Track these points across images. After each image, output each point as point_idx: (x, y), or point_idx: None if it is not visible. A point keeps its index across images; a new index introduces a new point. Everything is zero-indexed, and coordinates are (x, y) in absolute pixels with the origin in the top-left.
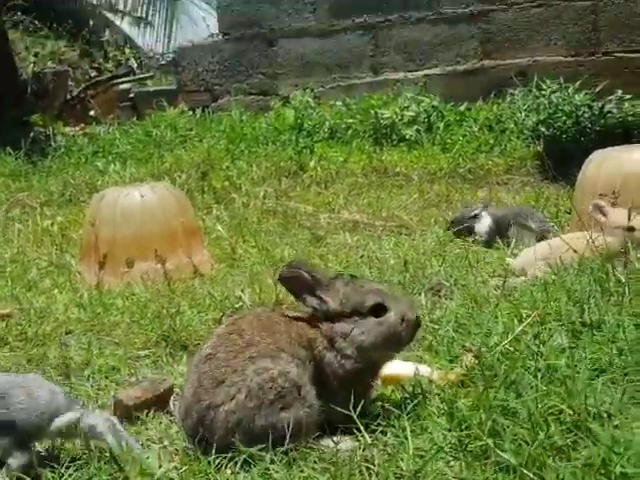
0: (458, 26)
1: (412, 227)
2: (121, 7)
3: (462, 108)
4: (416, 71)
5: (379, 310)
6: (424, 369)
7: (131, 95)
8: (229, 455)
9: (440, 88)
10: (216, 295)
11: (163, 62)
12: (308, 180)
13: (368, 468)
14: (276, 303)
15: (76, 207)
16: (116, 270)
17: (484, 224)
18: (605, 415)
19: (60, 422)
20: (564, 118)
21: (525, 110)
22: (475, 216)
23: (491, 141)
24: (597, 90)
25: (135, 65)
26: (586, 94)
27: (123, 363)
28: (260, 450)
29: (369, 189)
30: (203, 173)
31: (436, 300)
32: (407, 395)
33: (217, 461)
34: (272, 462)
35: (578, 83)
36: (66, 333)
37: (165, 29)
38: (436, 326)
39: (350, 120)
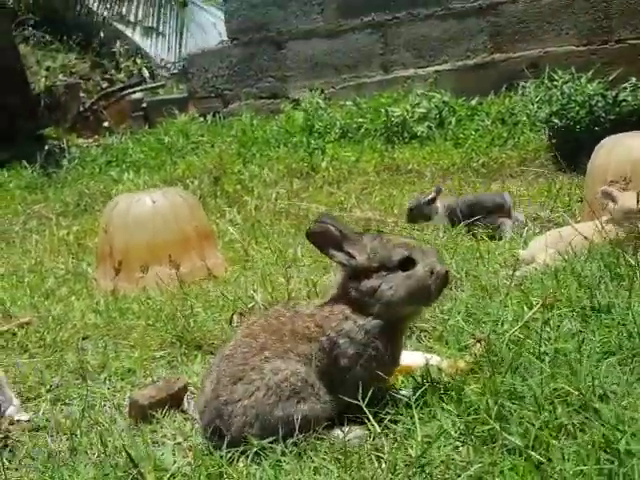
0: (467, 20)
1: None
2: (131, 18)
3: (474, 102)
4: (426, 67)
5: (407, 264)
6: (434, 359)
7: (143, 105)
8: (241, 448)
9: (451, 83)
10: (229, 296)
11: (174, 71)
12: (320, 181)
13: (378, 456)
14: (288, 301)
15: (91, 216)
16: (131, 276)
17: (441, 219)
18: (611, 395)
19: None
20: (577, 108)
21: (537, 102)
22: (430, 201)
23: (504, 134)
24: (610, 79)
25: (147, 75)
26: (599, 83)
27: (139, 365)
28: (271, 443)
29: (381, 187)
30: (215, 178)
31: (446, 292)
32: (416, 384)
33: (229, 455)
34: (283, 454)
35: (591, 72)
36: (83, 338)
37: (176, 37)
38: (446, 316)
39: (361, 119)
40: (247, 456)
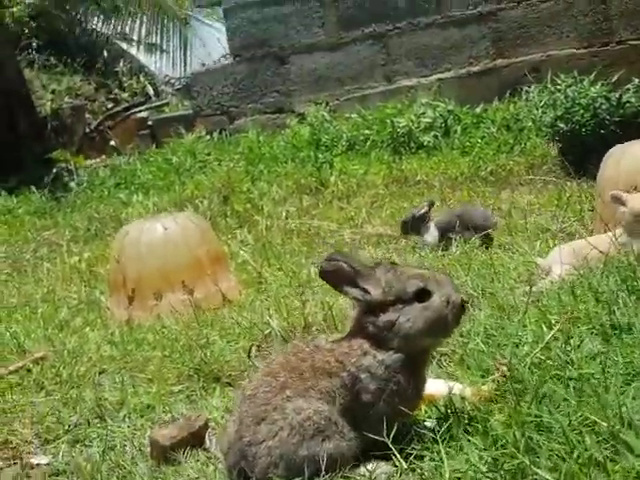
0: (468, 27)
1: None
2: (134, 36)
3: (478, 110)
4: (429, 76)
5: (423, 295)
6: (456, 387)
7: (149, 123)
8: None
9: (455, 91)
10: (245, 323)
11: (179, 86)
12: (329, 196)
13: None
14: (305, 326)
15: (102, 242)
16: (145, 304)
17: (431, 234)
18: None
19: None
20: (582, 111)
21: (542, 107)
22: (423, 216)
23: (510, 141)
24: (613, 80)
25: (151, 92)
26: (602, 85)
27: (157, 400)
28: None
29: (391, 200)
30: (225, 197)
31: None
32: (440, 414)
33: None
34: None
35: (593, 75)
36: (100, 372)
37: (180, 53)
38: (465, 340)
39: (367, 131)
40: None
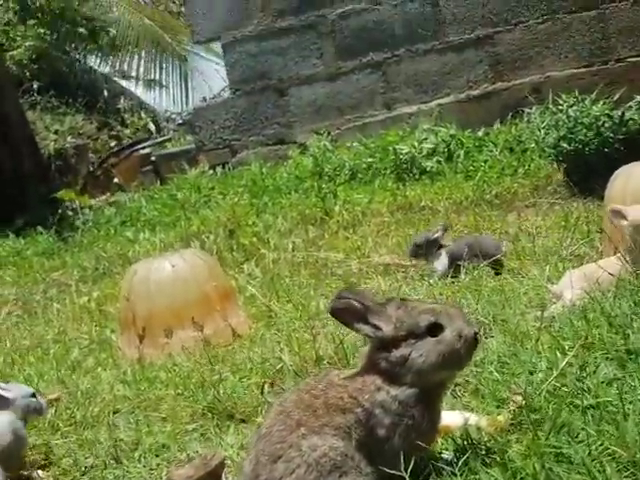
0: (466, 52)
1: None
2: (133, 73)
3: (480, 133)
4: (429, 102)
5: (435, 329)
6: (472, 417)
7: (152, 159)
8: None
9: (455, 116)
10: (256, 358)
11: (180, 121)
12: (335, 226)
13: None
14: (316, 360)
15: (111, 280)
16: (156, 342)
17: (442, 262)
18: None
19: None
20: (584, 131)
21: (544, 128)
22: (436, 240)
23: (514, 163)
24: (615, 98)
25: (153, 128)
26: (604, 104)
27: (172, 439)
28: None
29: (397, 227)
30: (230, 231)
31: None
32: (457, 447)
33: None
34: None
35: (594, 94)
36: (114, 412)
37: (180, 88)
38: (479, 369)
39: (370, 159)
40: None
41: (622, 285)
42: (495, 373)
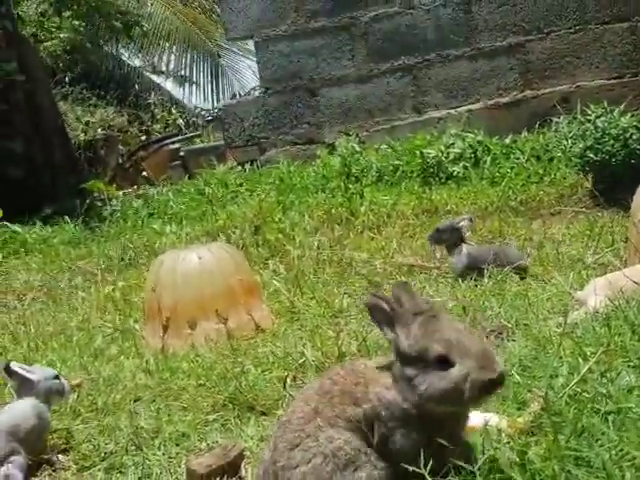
0: (496, 59)
1: None
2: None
3: (507, 140)
4: (458, 107)
5: (443, 363)
6: (493, 418)
7: (181, 154)
8: None
9: (483, 122)
10: (279, 352)
11: (209, 118)
12: (360, 226)
13: None
14: (338, 356)
15: (136, 270)
16: (180, 333)
17: (461, 260)
18: None
19: None
20: (612, 142)
21: (571, 137)
22: (459, 230)
23: (540, 171)
24: None
25: (182, 124)
26: (632, 116)
27: (192, 429)
28: None
29: (421, 230)
30: (256, 227)
31: (499, 343)
32: (478, 448)
33: None
34: None
35: (623, 105)
36: (135, 400)
37: (212, 84)
38: None
39: (397, 162)
40: None
41: None
42: (516, 376)
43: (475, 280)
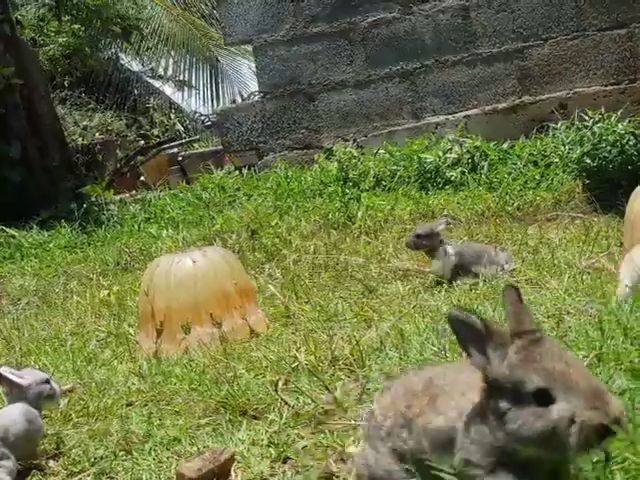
0: (495, 65)
1: None
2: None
3: (505, 146)
4: (456, 113)
5: (543, 398)
6: None
7: (179, 159)
8: None
9: (481, 128)
10: (272, 356)
11: (208, 123)
12: (357, 231)
13: None
14: (332, 360)
15: (132, 275)
16: (173, 337)
17: (450, 260)
18: None
19: None
20: (609, 148)
21: (569, 143)
22: (438, 234)
23: (537, 177)
24: None
25: (181, 129)
26: (629, 122)
27: (184, 433)
28: None
29: None
30: (253, 232)
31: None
32: None
33: None
34: None
35: (620, 112)
36: (127, 405)
37: (211, 89)
38: None
39: (394, 167)
40: None
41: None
42: None
43: (458, 282)
